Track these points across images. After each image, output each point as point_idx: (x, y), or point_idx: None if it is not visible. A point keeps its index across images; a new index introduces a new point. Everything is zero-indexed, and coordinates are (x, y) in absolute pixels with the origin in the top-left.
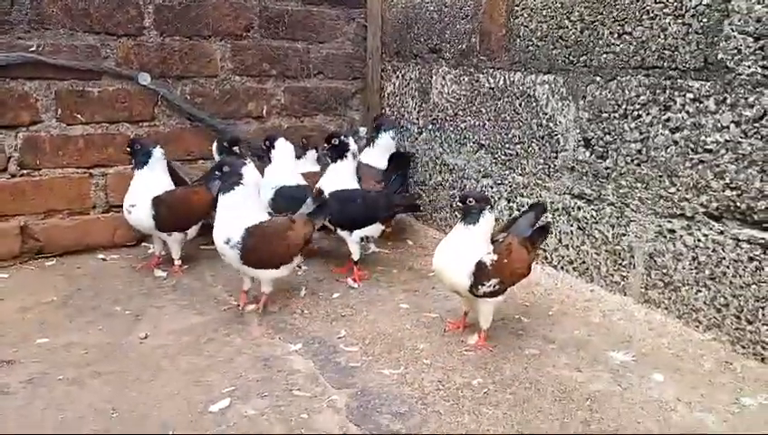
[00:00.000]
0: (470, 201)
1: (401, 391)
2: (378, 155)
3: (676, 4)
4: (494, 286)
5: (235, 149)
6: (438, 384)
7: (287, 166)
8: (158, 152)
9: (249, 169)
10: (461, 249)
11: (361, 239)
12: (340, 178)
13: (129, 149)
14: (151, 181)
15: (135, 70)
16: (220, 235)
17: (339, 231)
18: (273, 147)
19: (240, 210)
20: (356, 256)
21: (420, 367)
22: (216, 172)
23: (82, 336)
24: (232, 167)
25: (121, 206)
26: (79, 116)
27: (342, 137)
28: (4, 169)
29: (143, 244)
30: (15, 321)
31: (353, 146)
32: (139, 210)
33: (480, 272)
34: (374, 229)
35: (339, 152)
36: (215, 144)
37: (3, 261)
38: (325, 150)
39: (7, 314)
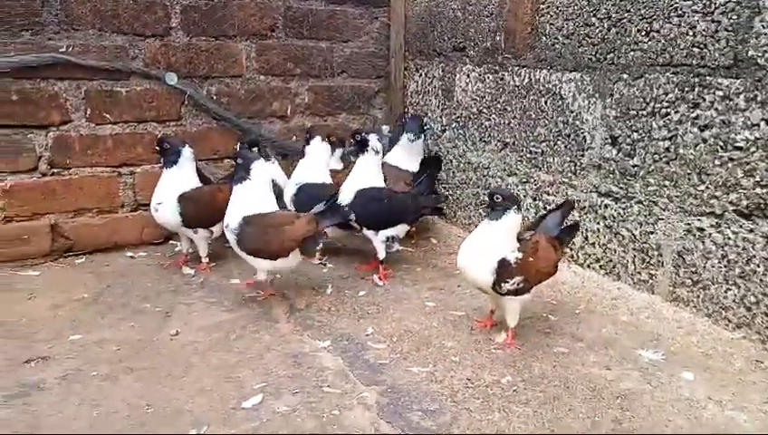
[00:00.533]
0: (497, 198)
1: (430, 389)
2: (401, 155)
3: (705, 1)
4: (518, 284)
5: (254, 150)
6: (467, 382)
7: (318, 163)
8: (187, 151)
9: (258, 165)
10: (485, 246)
11: (387, 239)
12: (365, 176)
13: (157, 147)
14: (179, 179)
15: (162, 70)
16: (225, 220)
17: (364, 230)
18: (309, 142)
19: (246, 201)
20: (381, 255)
21: (449, 365)
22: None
23: (114, 333)
24: (244, 161)
25: (149, 204)
26: (107, 116)
27: (363, 134)
28: (35, 169)
29: (170, 241)
30: (48, 318)
31: (375, 143)
32: (165, 208)
33: (503, 269)
34: (400, 229)
35: (360, 148)
36: (237, 146)
37: (34, 259)
38: (351, 147)
39: (40, 312)
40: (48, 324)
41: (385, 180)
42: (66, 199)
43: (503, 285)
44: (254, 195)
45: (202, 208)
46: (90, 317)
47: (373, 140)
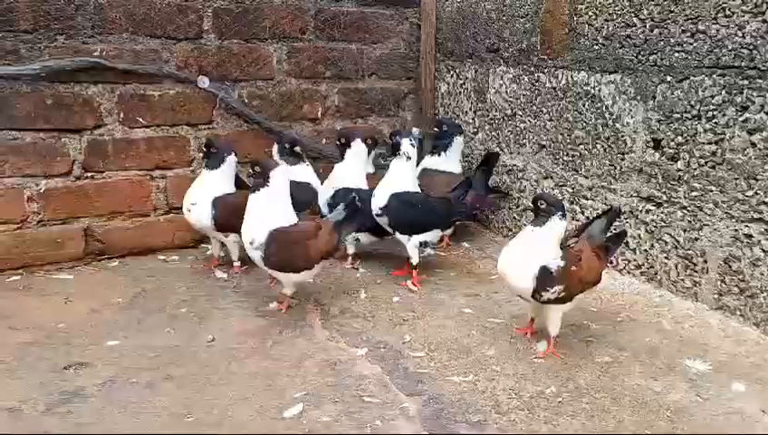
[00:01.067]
0: (541, 203)
1: (473, 399)
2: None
3: (755, 0)
4: (559, 293)
5: (297, 149)
6: (511, 392)
7: (357, 167)
8: (232, 159)
9: (278, 172)
10: (527, 253)
11: (420, 244)
12: (399, 180)
13: (205, 148)
14: (217, 183)
15: (194, 73)
16: (245, 235)
17: (397, 235)
18: (350, 145)
19: (265, 211)
20: (415, 260)
21: (490, 374)
22: (250, 171)
23: (151, 339)
24: (263, 168)
25: (181, 207)
26: (140, 119)
27: (396, 137)
28: (69, 172)
29: (202, 245)
30: (85, 323)
31: (408, 148)
32: (199, 209)
33: (544, 277)
34: (433, 235)
35: (393, 151)
36: (275, 147)
37: (67, 263)
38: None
39: (77, 316)
40: (85, 329)
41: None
42: (99, 203)
43: (543, 293)
44: (275, 206)
45: (235, 214)
46: (126, 322)
47: (405, 144)
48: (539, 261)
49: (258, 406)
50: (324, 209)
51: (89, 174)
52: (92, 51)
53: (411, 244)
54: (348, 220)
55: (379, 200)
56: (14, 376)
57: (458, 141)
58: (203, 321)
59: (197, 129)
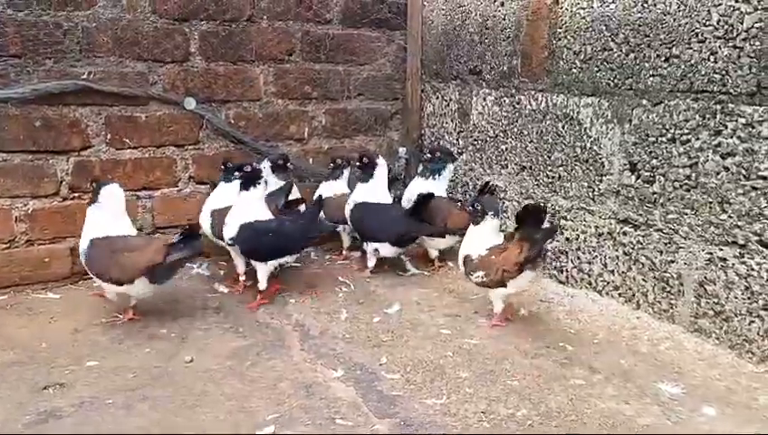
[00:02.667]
0: (477, 205)
1: (444, 422)
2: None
3: (726, 27)
4: (482, 278)
5: (289, 165)
6: (482, 415)
7: (381, 186)
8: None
9: (108, 189)
10: (464, 245)
11: (375, 250)
12: (248, 209)
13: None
14: (221, 196)
15: (181, 95)
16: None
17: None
18: (377, 165)
19: (96, 224)
20: (263, 286)
21: (463, 396)
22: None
23: (130, 359)
24: (97, 185)
25: (167, 227)
26: (127, 141)
27: (254, 164)
28: (56, 193)
29: (187, 265)
30: (67, 342)
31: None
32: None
33: (466, 264)
34: (290, 258)
35: (368, 171)
36: (266, 163)
37: (54, 282)
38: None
39: (60, 336)
40: (67, 349)
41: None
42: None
43: (469, 276)
44: (103, 218)
45: None
46: (107, 342)
47: (265, 171)
48: (464, 251)
49: (231, 427)
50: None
51: (76, 194)
52: (80, 74)
53: (263, 269)
54: (181, 244)
55: (229, 230)
56: None
57: (450, 168)
58: (183, 341)
59: (184, 149)
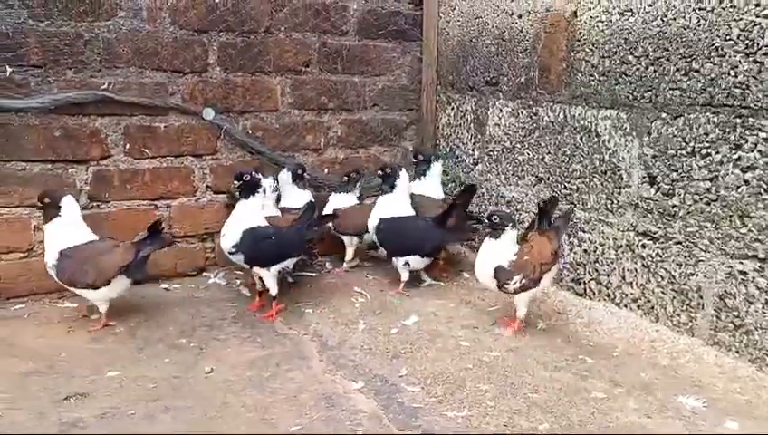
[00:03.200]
0: (495, 218)
1: None
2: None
3: (747, 42)
4: (521, 282)
5: (306, 175)
6: (504, 428)
7: (402, 197)
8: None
9: (66, 201)
10: (484, 258)
11: (405, 264)
12: (248, 216)
13: (236, 181)
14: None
15: (200, 105)
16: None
17: (254, 268)
18: (399, 176)
19: (60, 236)
20: (274, 291)
21: (485, 410)
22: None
23: (150, 369)
24: (52, 199)
25: (183, 236)
26: (146, 150)
27: (393, 167)
28: (75, 202)
29: (204, 274)
30: (86, 352)
31: (267, 183)
32: (226, 240)
33: (500, 274)
34: (289, 262)
35: (390, 183)
36: (286, 174)
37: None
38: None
39: (79, 345)
40: (87, 359)
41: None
42: (104, 232)
43: (505, 285)
44: (66, 229)
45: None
46: (127, 352)
47: (266, 182)
48: (494, 262)
49: None
50: (373, 237)
51: (94, 204)
52: (100, 84)
53: (269, 274)
54: (148, 240)
55: (231, 238)
56: (15, 406)
57: (436, 167)
58: (202, 351)
59: (202, 159)
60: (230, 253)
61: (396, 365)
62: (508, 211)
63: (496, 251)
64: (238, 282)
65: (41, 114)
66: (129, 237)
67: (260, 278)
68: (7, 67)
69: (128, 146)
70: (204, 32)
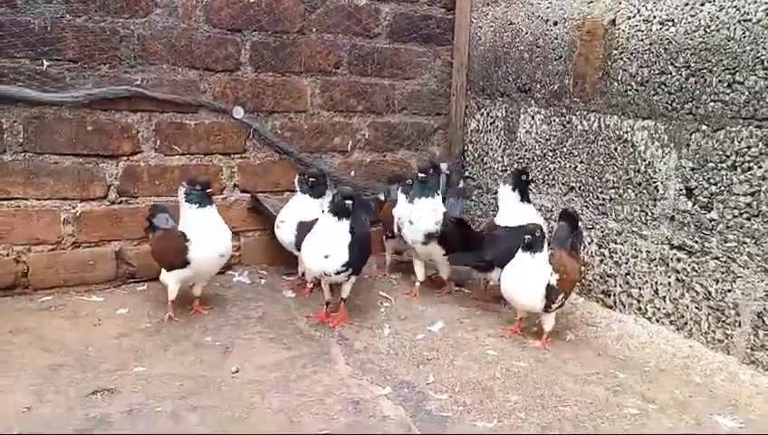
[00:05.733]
0: (537, 233)
1: None
2: None
3: None
4: (561, 302)
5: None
6: None
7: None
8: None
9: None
10: (531, 275)
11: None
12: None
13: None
14: (308, 207)
15: (230, 104)
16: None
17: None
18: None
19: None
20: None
21: (514, 421)
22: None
23: (176, 367)
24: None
25: None
26: (176, 147)
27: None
28: (105, 197)
29: (228, 272)
30: (113, 347)
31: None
32: (285, 227)
33: (551, 293)
34: None
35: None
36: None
37: (98, 284)
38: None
39: (106, 340)
40: (113, 354)
41: None
42: (132, 227)
43: (552, 305)
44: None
45: None
46: (153, 349)
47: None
48: (543, 281)
49: None
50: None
51: (123, 198)
52: (133, 80)
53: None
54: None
55: (340, 257)
56: (44, 399)
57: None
58: (227, 351)
59: (231, 157)
60: (339, 272)
61: (423, 372)
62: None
63: (538, 268)
64: (263, 282)
65: (74, 108)
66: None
67: (330, 286)
68: (44, 61)
69: (158, 142)
70: (237, 30)
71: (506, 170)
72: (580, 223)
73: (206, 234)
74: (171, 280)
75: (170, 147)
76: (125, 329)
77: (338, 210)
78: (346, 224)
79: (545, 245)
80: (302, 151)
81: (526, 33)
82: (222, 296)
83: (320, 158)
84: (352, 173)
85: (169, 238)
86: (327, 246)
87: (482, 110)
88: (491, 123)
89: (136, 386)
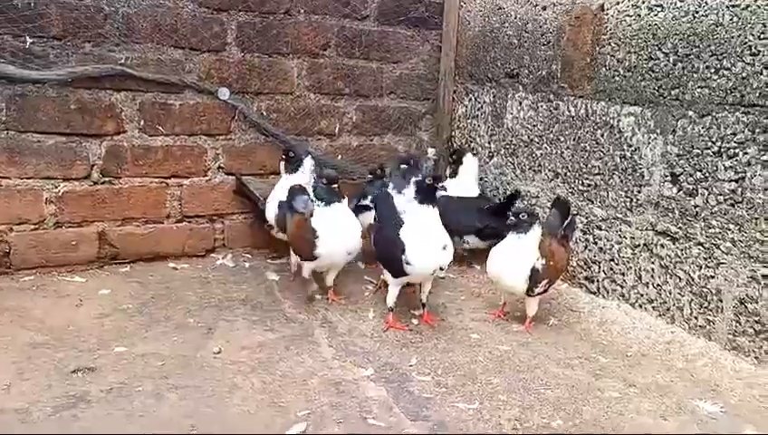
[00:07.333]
0: (523, 216)
1: (478, 429)
2: None
3: None
4: (545, 286)
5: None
6: (516, 423)
7: (471, 180)
8: (309, 161)
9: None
10: (517, 257)
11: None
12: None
13: (284, 156)
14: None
15: (216, 84)
16: None
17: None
18: (462, 162)
19: None
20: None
21: (496, 403)
22: None
23: (158, 347)
24: None
25: (194, 216)
26: (160, 127)
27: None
28: (88, 177)
29: (212, 255)
30: (94, 327)
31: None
32: (269, 208)
33: (535, 276)
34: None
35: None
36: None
37: (80, 265)
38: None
39: (87, 320)
40: (94, 334)
41: None
42: (115, 208)
43: (534, 289)
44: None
45: None
46: (134, 328)
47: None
48: (529, 263)
49: (262, 423)
50: None
51: (106, 179)
52: (118, 59)
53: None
54: None
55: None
56: (24, 377)
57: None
58: (210, 332)
59: (216, 139)
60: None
61: (406, 354)
62: (528, 208)
63: (524, 251)
64: (247, 265)
65: (58, 87)
66: (139, 214)
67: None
68: (27, 38)
69: (142, 122)
70: (223, 10)
71: (493, 156)
72: (572, 211)
73: (335, 230)
74: (305, 267)
75: (155, 127)
76: (107, 309)
77: (424, 195)
78: (436, 211)
79: (534, 228)
80: (289, 134)
81: (515, 17)
82: (205, 278)
83: (306, 141)
84: (339, 157)
85: (302, 232)
86: (441, 236)
87: (470, 95)
88: (478, 109)
89: (117, 365)
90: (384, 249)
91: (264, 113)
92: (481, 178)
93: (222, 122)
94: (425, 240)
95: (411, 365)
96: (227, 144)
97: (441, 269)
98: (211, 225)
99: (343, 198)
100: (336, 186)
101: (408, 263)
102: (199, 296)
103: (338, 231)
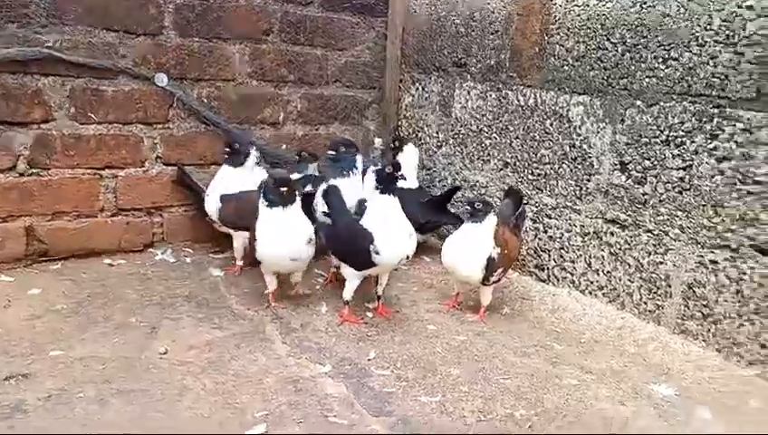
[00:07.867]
0: (477, 205)
1: (442, 422)
2: None
3: (727, 32)
4: (499, 275)
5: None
6: (480, 415)
7: (410, 171)
8: (254, 154)
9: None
10: (472, 246)
11: None
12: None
13: (227, 149)
14: (230, 179)
15: (152, 70)
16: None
17: None
18: (402, 150)
19: None
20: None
21: (458, 395)
22: None
23: (98, 349)
24: None
25: (131, 209)
26: (92, 115)
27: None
28: (13, 168)
29: (150, 250)
30: (26, 329)
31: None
32: (210, 200)
33: (491, 265)
34: None
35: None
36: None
37: (6, 263)
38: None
39: (17, 322)
40: (26, 337)
41: None
42: (44, 201)
43: (490, 278)
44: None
45: (240, 211)
46: (71, 330)
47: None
48: (485, 253)
49: (218, 425)
50: None
51: (34, 170)
52: (45, 42)
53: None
54: None
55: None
56: None
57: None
58: (153, 331)
59: (153, 127)
60: None
61: (363, 348)
62: (484, 198)
63: (480, 240)
64: (188, 260)
65: None
66: (70, 208)
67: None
68: None
69: (72, 110)
70: None
71: (441, 146)
72: (524, 201)
73: (276, 235)
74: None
75: (86, 115)
76: (38, 310)
77: (385, 185)
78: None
79: (489, 217)
80: (231, 122)
81: (462, 6)
82: (145, 275)
83: (249, 129)
84: (284, 147)
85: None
86: (406, 225)
87: (417, 84)
88: (426, 98)
89: (53, 371)
90: (345, 242)
91: (205, 101)
92: (429, 169)
93: (159, 110)
94: (392, 229)
95: (369, 359)
96: (165, 133)
97: (407, 258)
98: (149, 218)
99: (294, 201)
100: (285, 188)
101: (377, 253)
102: (139, 294)
103: (278, 236)
